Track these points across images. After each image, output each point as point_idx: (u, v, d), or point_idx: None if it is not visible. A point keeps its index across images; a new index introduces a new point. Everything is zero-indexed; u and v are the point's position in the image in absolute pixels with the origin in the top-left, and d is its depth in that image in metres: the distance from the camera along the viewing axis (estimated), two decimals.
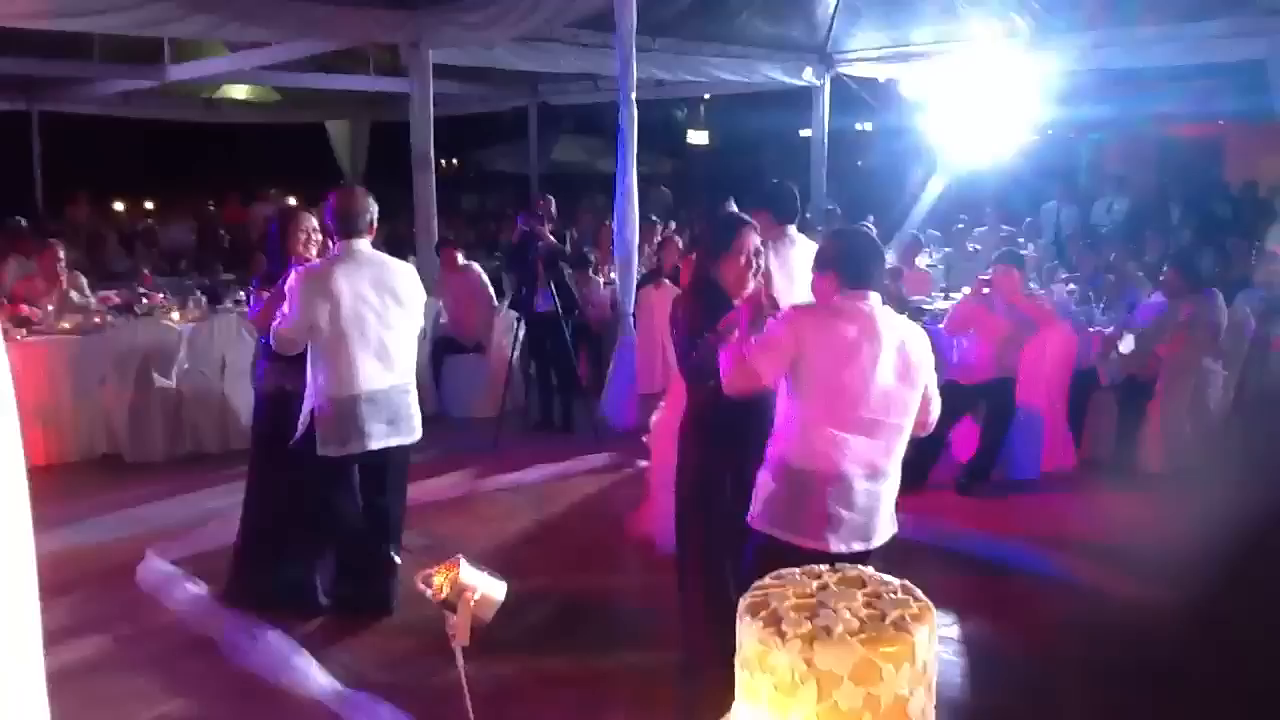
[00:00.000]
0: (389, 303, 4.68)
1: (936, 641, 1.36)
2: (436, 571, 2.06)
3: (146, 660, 4.53)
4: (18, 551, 0.82)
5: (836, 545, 3.24)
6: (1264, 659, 4.36)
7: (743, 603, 1.40)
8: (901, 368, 3.31)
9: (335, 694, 4.21)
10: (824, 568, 1.48)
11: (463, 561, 2.06)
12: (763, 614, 1.35)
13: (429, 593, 2.04)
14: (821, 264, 3.43)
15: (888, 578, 1.46)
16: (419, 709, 4.02)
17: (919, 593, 1.42)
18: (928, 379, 3.42)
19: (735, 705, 1.39)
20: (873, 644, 1.29)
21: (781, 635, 1.30)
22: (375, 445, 4.70)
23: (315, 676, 4.33)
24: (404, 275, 4.80)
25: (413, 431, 4.86)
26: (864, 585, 1.44)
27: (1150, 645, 4.40)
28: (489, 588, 2.08)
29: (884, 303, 3.40)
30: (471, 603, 2.01)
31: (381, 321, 4.66)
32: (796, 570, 1.48)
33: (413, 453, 5.03)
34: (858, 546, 3.29)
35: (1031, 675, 4.41)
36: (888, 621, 1.33)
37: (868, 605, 1.37)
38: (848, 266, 3.34)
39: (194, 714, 4.14)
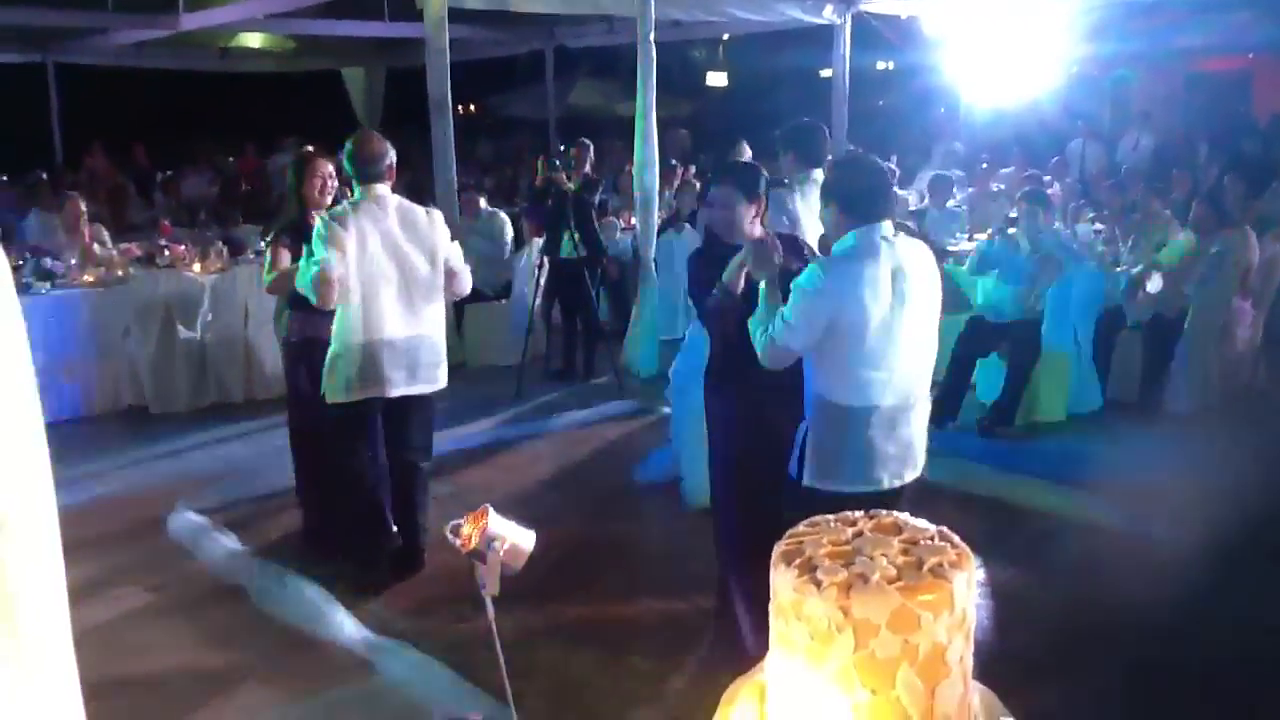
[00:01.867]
0: (413, 248, 4.60)
1: (975, 588, 1.34)
2: (465, 522, 2.05)
3: (177, 610, 4.59)
4: (41, 502, 0.81)
5: (890, 481, 3.27)
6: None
7: (776, 550, 1.38)
8: (921, 289, 3.31)
9: (365, 641, 4.25)
10: (859, 514, 1.46)
11: (491, 511, 2.05)
12: (797, 562, 1.33)
13: (457, 543, 2.03)
14: (825, 196, 3.43)
15: (923, 523, 1.44)
16: (448, 656, 4.06)
17: (956, 539, 1.39)
18: (937, 294, 3.41)
19: (770, 653, 1.37)
20: (910, 591, 1.27)
21: (817, 583, 1.28)
22: (395, 393, 4.64)
23: (345, 624, 4.37)
24: (428, 220, 4.69)
25: (434, 380, 4.77)
26: (900, 532, 1.42)
27: (1176, 586, 4.38)
28: (518, 537, 2.07)
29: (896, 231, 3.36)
30: (500, 553, 2.01)
31: (405, 267, 4.59)
32: (831, 517, 1.45)
33: (436, 401, 4.97)
34: (909, 477, 3.34)
35: (1054, 619, 4.39)
36: (925, 569, 1.31)
37: (904, 552, 1.35)
38: (850, 200, 3.32)
39: (224, 663, 4.19)
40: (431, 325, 4.74)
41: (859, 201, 3.30)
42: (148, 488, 6.01)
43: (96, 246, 8.02)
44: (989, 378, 7.00)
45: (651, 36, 7.44)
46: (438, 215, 4.76)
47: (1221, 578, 4.50)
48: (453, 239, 4.85)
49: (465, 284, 4.90)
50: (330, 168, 5.10)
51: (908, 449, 3.34)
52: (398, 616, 4.49)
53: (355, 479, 4.75)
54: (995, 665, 1.38)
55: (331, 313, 4.58)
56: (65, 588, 0.87)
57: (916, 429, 3.38)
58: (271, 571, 4.85)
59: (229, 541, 5.25)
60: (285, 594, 4.64)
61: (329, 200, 5.01)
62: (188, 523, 5.46)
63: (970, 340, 6.80)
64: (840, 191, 3.35)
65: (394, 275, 4.58)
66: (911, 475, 3.36)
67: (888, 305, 3.20)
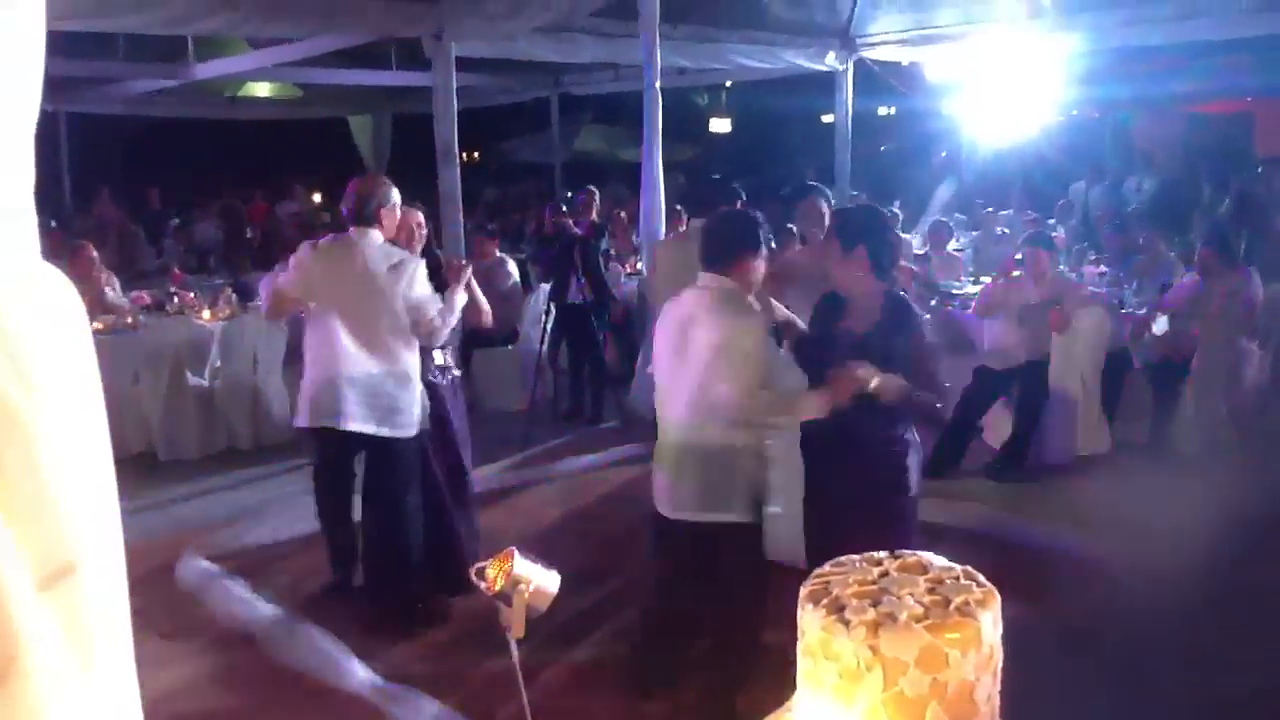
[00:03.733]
0: (371, 289, 4.65)
1: (1000, 626, 1.35)
2: (490, 564, 2.06)
3: (188, 657, 4.57)
4: (110, 547, 0.83)
5: None
6: None
7: (803, 590, 1.39)
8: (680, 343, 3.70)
9: (376, 688, 4.24)
10: (883, 554, 1.47)
11: (516, 553, 2.06)
12: (825, 601, 1.34)
13: (483, 585, 2.04)
14: None
15: (948, 563, 1.45)
16: (460, 701, 4.05)
17: (981, 578, 1.40)
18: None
19: (797, 693, 1.38)
20: (938, 630, 1.28)
21: (845, 623, 1.29)
22: (352, 426, 4.68)
23: (356, 671, 4.36)
24: (399, 266, 4.69)
25: (398, 426, 4.75)
26: (925, 571, 1.42)
27: (1186, 628, 4.36)
28: (543, 579, 2.08)
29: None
30: (526, 595, 2.02)
31: (364, 307, 4.66)
32: (856, 557, 1.46)
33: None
34: None
35: (1066, 660, 4.37)
36: (952, 607, 1.32)
37: (930, 591, 1.36)
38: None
39: (235, 710, 4.18)
40: (395, 365, 4.73)
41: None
42: (157, 535, 6.00)
43: (109, 292, 8.07)
44: (996, 421, 7.01)
45: (657, 84, 7.53)
46: (411, 263, 4.75)
47: (1230, 619, 4.48)
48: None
49: (431, 336, 4.83)
50: (419, 217, 5.20)
51: None
52: (410, 661, 4.48)
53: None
54: (1006, 704, 1.39)
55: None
56: (130, 634, 0.89)
57: None
58: (283, 618, 4.84)
59: (239, 589, 5.23)
60: (296, 641, 4.62)
61: (419, 247, 5.11)
62: (198, 570, 5.45)
63: (975, 391, 6.81)
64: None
65: (353, 313, 4.67)
66: None
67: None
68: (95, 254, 8.33)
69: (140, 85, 12.90)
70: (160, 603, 5.11)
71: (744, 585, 3.75)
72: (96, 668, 0.79)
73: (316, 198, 16.49)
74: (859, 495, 3.62)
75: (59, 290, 0.83)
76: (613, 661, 4.44)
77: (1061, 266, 8.07)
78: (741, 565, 3.74)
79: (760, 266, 3.76)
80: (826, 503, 3.77)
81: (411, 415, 4.79)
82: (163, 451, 7.49)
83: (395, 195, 4.83)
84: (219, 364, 7.70)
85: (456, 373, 5.31)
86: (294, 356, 7.94)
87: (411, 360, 4.78)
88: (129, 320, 7.74)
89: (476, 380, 8.75)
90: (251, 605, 5.03)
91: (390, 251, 4.77)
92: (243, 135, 17.92)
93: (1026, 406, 6.79)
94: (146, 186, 14.53)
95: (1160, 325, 7.02)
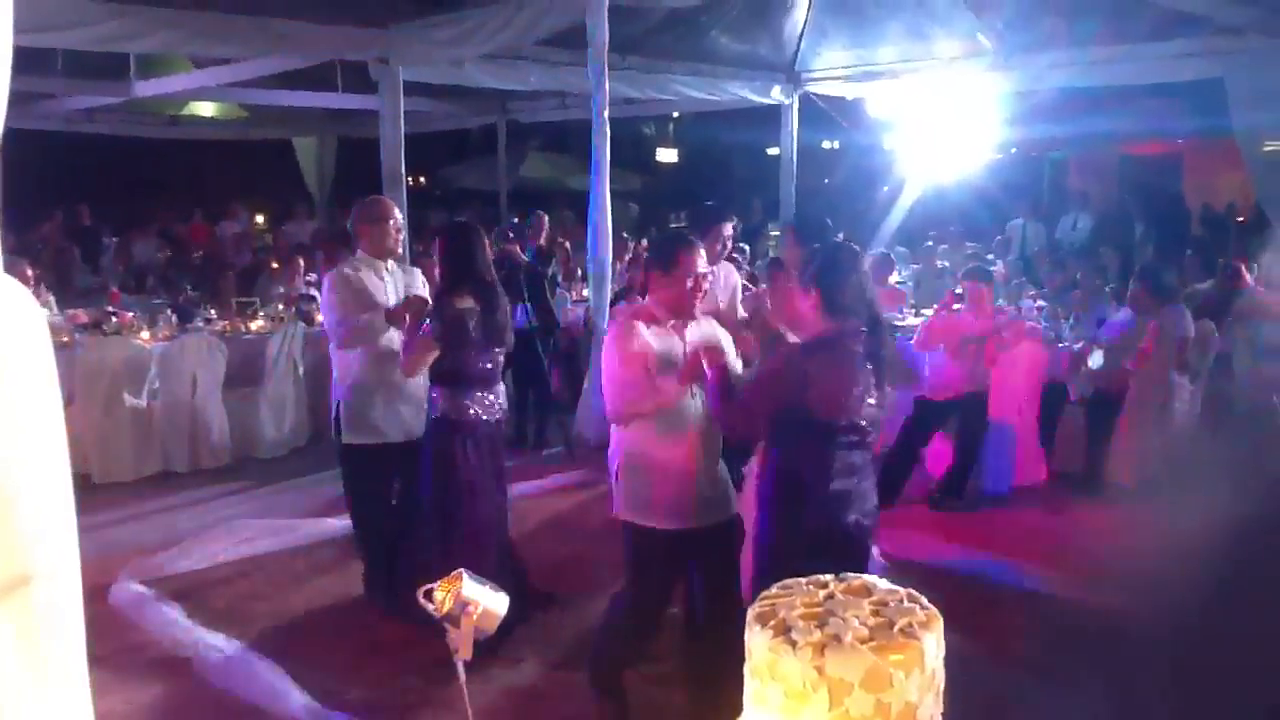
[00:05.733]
0: None
1: (943, 648, 1.38)
2: (439, 586, 2.05)
3: (121, 682, 4.47)
4: (67, 560, 0.83)
5: None
6: (1234, 668, 4.42)
7: (751, 612, 1.41)
8: None
9: (312, 713, 4.18)
10: (829, 577, 1.49)
11: (465, 576, 2.06)
12: (772, 623, 1.37)
13: (431, 608, 2.03)
14: None
15: (893, 585, 1.48)
16: None
17: (924, 600, 1.43)
18: None
19: (745, 712, 1.40)
20: (883, 651, 1.31)
21: (792, 643, 1.32)
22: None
23: (293, 696, 4.30)
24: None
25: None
26: (870, 594, 1.45)
27: (1119, 657, 4.44)
28: (491, 602, 2.08)
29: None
30: (475, 617, 2.01)
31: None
32: (802, 580, 1.49)
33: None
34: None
35: (1001, 687, 4.43)
36: (896, 629, 1.35)
37: (875, 613, 1.39)
38: None
39: None
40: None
41: None
42: (90, 557, 5.80)
43: (45, 312, 7.91)
44: (936, 452, 7.11)
45: (605, 113, 7.58)
46: (328, 280, 5.13)
47: (1164, 649, 4.57)
48: None
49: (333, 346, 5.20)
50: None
51: None
52: (345, 688, 4.42)
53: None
54: None
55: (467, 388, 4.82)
56: (84, 648, 0.89)
57: None
58: (217, 642, 4.76)
59: (173, 612, 5.14)
60: (230, 665, 4.56)
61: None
62: (131, 593, 5.35)
63: (916, 423, 6.90)
64: None
65: None
66: None
67: None
68: (31, 272, 8.18)
69: (80, 101, 12.72)
70: (93, 626, 4.95)
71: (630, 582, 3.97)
72: (49, 678, 0.79)
73: (259, 219, 16.31)
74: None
75: (18, 302, 0.83)
76: (550, 690, 4.43)
77: (1000, 301, 8.23)
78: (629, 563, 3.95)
79: (662, 283, 3.86)
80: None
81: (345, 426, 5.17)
82: (97, 473, 7.33)
83: None
84: (157, 385, 7.57)
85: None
86: (232, 380, 7.87)
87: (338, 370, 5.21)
88: (65, 339, 7.59)
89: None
90: (187, 630, 4.95)
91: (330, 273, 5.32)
92: (185, 155, 17.71)
93: (966, 437, 6.90)
94: (77, 204, 14.23)
95: (1096, 359, 7.17)
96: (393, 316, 4.96)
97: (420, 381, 4.90)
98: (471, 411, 4.66)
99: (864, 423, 3.47)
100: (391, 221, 5.13)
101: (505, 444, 5.13)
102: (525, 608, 4.72)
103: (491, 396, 4.73)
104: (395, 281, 5.16)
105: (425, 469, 4.77)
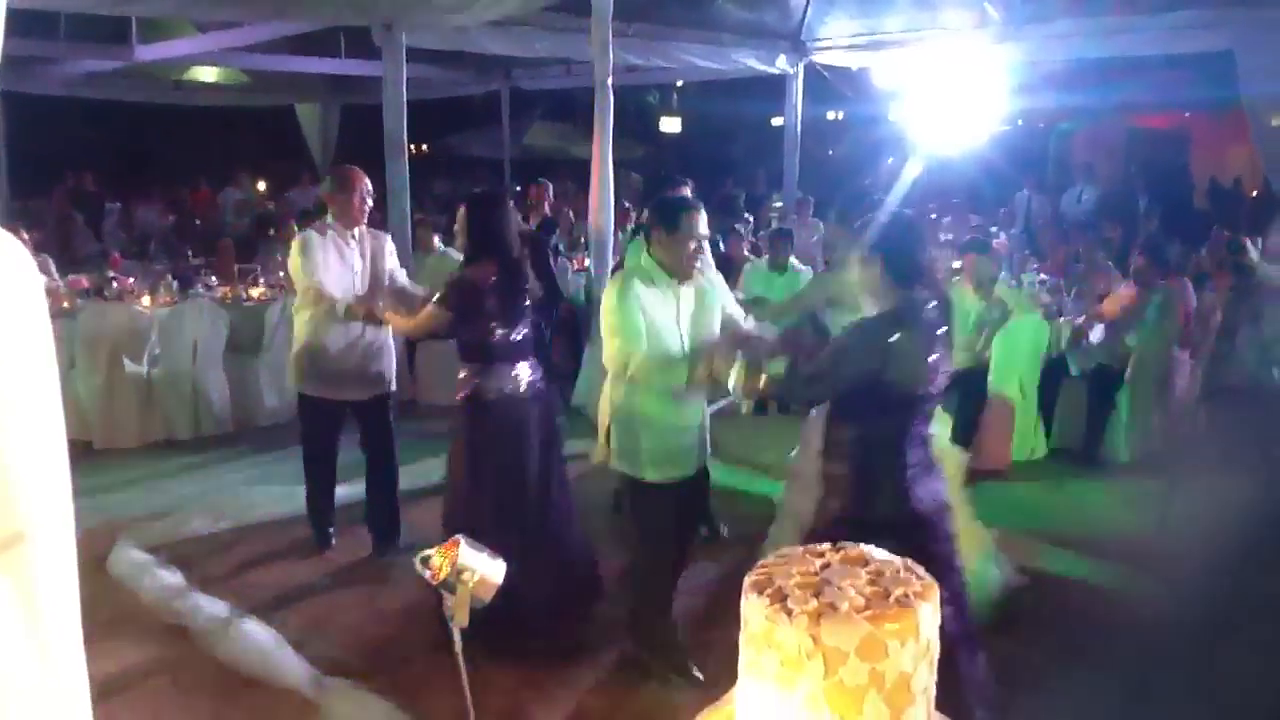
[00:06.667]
0: None
1: (938, 618, 1.37)
2: (435, 553, 2.05)
3: (119, 649, 4.48)
4: (61, 516, 0.82)
5: None
6: (1233, 645, 4.42)
7: (747, 580, 1.41)
8: None
9: (313, 681, 4.20)
10: (826, 546, 1.49)
11: (463, 542, 2.05)
12: (768, 591, 1.36)
13: (427, 574, 2.03)
14: None
15: (889, 555, 1.47)
16: (397, 696, 4.02)
17: (921, 570, 1.42)
18: None
19: (740, 681, 1.39)
20: (878, 620, 1.30)
21: (788, 612, 1.31)
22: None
23: (292, 664, 4.31)
24: None
25: None
26: (866, 563, 1.45)
27: (1117, 632, 4.45)
28: (488, 569, 2.07)
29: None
30: (471, 584, 2.01)
31: None
32: (799, 549, 1.48)
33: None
34: None
35: (998, 662, 4.44)
36: (892, 599, 1.34)
37: (871, 582, 1.38)
38: None
39: (168, 703, 4.11)
40: None
41: None
42: (90, 523, 5.89)
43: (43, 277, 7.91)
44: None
45: (609, 81, 7.52)
46: (295, 241, 5.35)
47: (1163, 625, 4.57)
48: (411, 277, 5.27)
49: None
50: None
51: None
52: (346, 655, 4.44)
53: None
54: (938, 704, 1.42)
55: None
56: (78, 607, 0.89)
57: None
58: (216, 609, 4.77)
59: (173, 578, 5.15)
60: (230, 632, 4.56)
61: None
62: (131, 559, 5.36)
63: None
64: None
65: None
66: None
67: None
68: (26, 236, 8.16)
69: (82, 66, 12.64)
70: (92, 592, 4.97)
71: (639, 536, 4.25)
72: (44, 634, 0.79)
73: (261, 186, 16.23)
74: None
75: (14, 260, 0.82)
76: (548, 662, 4.44)
77: (1003, 274, 8.19)
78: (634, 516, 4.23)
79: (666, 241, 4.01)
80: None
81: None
82: (98, 439, 7.35)
83: None
84: (158, 352, 7.56)
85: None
86: (233, 347, 7.86)
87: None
88: (65, 305, 7.59)
89: (418, 374, 8.69)
90: (187, 596, 4.96)
91: None
92: (187, 121, 17.62)
93: (966, 411, 6.88)
94: (82, 171, 14.16)
95: (1097, 334, 7.15)
96: (351, 311, 5.25)
97: (378, 342, 5.40)
98: (494, 387, 4.60)
99: (935, 391, 3.41)
100: (357, 192, 5.27)
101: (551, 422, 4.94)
102: (590, 601, 4.80)
103: (517, 371, 4.66)
104: (363, 247, 5.38)
105: (454, 445, 4.81)
